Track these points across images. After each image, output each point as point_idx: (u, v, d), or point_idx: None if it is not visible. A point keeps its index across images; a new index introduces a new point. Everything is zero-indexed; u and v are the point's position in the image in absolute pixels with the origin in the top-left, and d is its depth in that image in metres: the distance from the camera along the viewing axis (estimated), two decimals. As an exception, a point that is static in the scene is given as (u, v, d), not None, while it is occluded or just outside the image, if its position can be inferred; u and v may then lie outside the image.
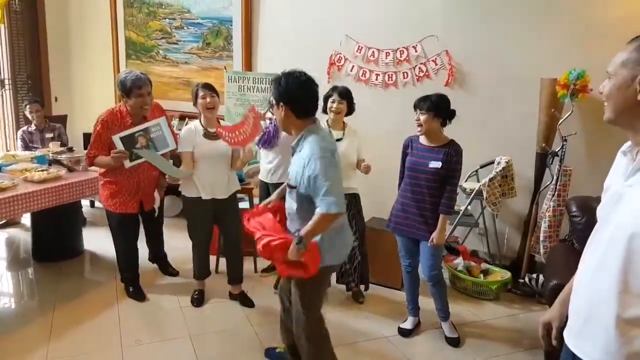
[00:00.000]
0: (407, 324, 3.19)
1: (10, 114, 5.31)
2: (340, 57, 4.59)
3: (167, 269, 3.90)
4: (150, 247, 3.87)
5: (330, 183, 2.05)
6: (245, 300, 3.44)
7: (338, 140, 3.31)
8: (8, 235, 4.68)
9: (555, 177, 3.54)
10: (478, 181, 4.04)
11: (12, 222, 4.75)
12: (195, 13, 5.07)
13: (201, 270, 3.48)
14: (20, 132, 4.75)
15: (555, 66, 3.66)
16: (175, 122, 5.24)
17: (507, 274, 3.72)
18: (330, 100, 3.33)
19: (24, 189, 3.27)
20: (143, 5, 5.27)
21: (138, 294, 3.46)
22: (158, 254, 3.89)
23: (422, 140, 2.95)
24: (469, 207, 4.08)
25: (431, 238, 2.87)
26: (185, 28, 5.17)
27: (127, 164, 3.07)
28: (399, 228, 3.05)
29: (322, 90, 3.35)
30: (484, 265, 3.87)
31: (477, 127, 4.13)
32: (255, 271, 3.95)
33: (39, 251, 4.10)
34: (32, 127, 4.68)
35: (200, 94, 3.16)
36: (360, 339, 3.09)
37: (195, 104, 3.22)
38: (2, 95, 5.25)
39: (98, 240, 4.42)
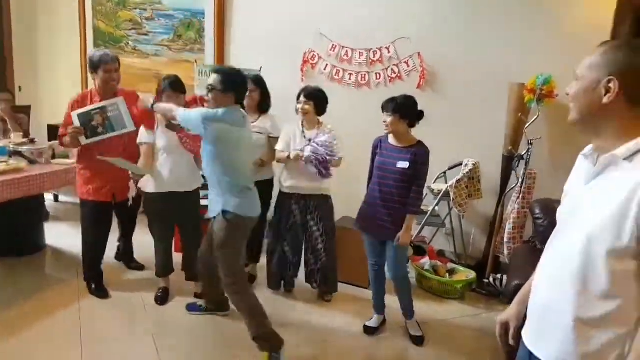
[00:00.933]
0: (373, 322, 3.21)
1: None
2: (314, 54, 4.58)
3: (130, 263, 3.86)
4: (121, 238, 3.83)
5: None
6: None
7: (310, 140, 3.31)
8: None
9: (520, 180, 3.62)
10: (446, 182, 4.09)
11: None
12: (166, 4, 4.97)
13: (163, 269, 3.41)
14: (-18, 121, 4.57)
15: (523, 71, 3.73)
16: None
17: (472, 274, 3.79)
18: (297, 100, 3.33)
19: (-18, 181, 3.14)
20: (113, -6, 5.14)
21: (101, 292, 3.39)
22: (126, 246, 3.85)
23: (391, 140, 2.98)
24: (436, 208, 4.14)
25: (397, 237, 2.90)
26: (156, 19, 5.06)
27: (83, 140, 3.10)
28: (366, 227, 3.08)
29: (296, 89, 3.38)
30: (450, 265, 3.93)
31: (447, 129, 4.18)
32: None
33: (-2, 245, 3.94)
34: (-6, 116, 4.50)
35: (167, 92, 3.06)
36: (327, 337, 3.10)
37: (160, 99, 3.08)
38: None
39: (61, 236, 4.31)
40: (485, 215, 4.19)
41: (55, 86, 5.53)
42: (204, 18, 4.86)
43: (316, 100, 3.31)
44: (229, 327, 3.11)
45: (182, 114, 2.69)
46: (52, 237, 4.25)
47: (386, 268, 3.16)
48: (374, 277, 3.19)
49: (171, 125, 3.05)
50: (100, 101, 3.16)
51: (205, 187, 3.40)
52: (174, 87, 3.08)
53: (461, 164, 4.08)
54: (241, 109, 2.82)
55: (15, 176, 3.34)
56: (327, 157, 3.22)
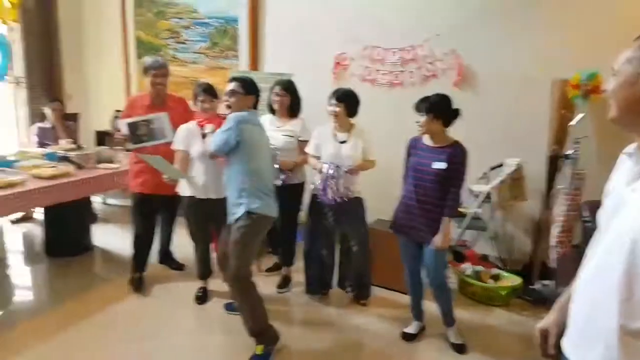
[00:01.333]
0: (411, 329, 3.12)
1: (25, 111, 5.34)
2: (345, 56, 4.54)
3: (172, 264, 3.99)
4: (161, 238, 3.97)
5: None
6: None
7: (342, 142, 3.26)
8: (23, 230, 4.75)
9: (568, 181, 3.43)
10: (488, 184, 3.94)
11: (27, 217, 4.82)
12: (202, 12, 5.06)
13: (202, 272, 3.49)
14: (35, 129, 4.79)
15: (567, 67, 3.57)
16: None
17: (517, 280, 3.63)
18: (328, 103, 3.27)
19: (32, 185, 3.29)
20: (152, 5, 5.27)
21: (139, 285, 3.54)
22: (165, 248, 4.02)
23: (426, 140, 2.88)
24: (478, 211, 3.99)
25: (433, 241, 2.80)
26: (193, 27, 5.15)
27: (130, 146, 3.40)
28: (402, 230, 2.98)
29: (327, 92, 3.34)
30: (494, 271, 3.77)
31: (487, 129, 4.04)
32: (260, 270, 3.91)
33: (50, 246, 4.15)
34: (47, 124, 4.71)
35: (201, 97, 3.18)
36: (362, 343, 3.03)
37: (195, 103, 3.24)
38: (16, 93, 5.29)
39: (108, 237, 4.47)
40: (531, 218, 4.01)
41: (102, 94, 5.74)
42: (237, 25, 4.91)
43: (347, 102, 3.23)
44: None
45: (214, 143, 2.77)
46: (100, 238, 4.40)
47: (424, 273, 3.05)
48: (410, 282, 3.09)
49: (205, 134, 3.14)
50: (150, 102, 3.44)
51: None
52: (207, 92, 3.19)
53: (504, 165, 3.92)
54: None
55: (63, 180, 3.49)
56: (338, 189, 3.18)
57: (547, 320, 1.44)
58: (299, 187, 3.59)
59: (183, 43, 5.25)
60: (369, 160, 3.31)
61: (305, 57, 4.66)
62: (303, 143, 3.47)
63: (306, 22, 4.66)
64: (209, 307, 3.39)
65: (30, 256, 4.22)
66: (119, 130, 3.43)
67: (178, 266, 3.97)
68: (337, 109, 3.22)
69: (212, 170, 3.14)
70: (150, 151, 3.24)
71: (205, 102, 3.16)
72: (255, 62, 4.93)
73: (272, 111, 3.57)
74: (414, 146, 2.94)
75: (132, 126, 3.35)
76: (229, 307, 3.29)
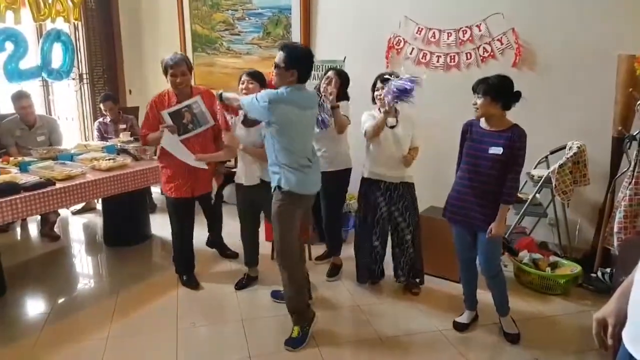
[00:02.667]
0: (463, 318, 3.04)
1: (88, 106, 5.68)
2: (399, 39, 4.46)
3: (225, 251, 4.05)
4: (209, 231, 4.06)
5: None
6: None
7: (392, 127, 3.21)
8: (85, 220, 5.02)
9: (633, 163, 3.20)
10: (548, 168, 3.76)
11: (89, 208, 5.09)
12: (255, 3, 5.12)
13: (249, 258, 3.56)
14: (96, 123, 5.08)
15: (634, 42, 3.31)
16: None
17: (577, 268, 3.45)
18: (374, 88, 3.21)
19: (91, 177, 3.46)
20: (207, -2, 5.41)
21: (191, 283, 3.55)
22: (215, 239, 4.08)
23: (483, 124, 2.76)
24: (537, 196, 3.82)
25: (489, 229, 2.70)
26: (246, 19, 5.23)
27: (177, 137, 3.24)
28: (455, 218, 2.89)
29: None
30: (552, 258, 3.60)
31: (548, 110, 3.86)
32: (310, 259, 3.95)
33: (109, 236, 4.35)
34: (107, 119, 4.98)
35: (242, 79, 3.25)
36: (413, 332, 2.99)
37: (240, 91, 3.27)
38: (80, 89, 5.62)
39: (165, 226, 4.60)
40: (593, 203, 3.79)
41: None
42: (290, 13, 4.93)
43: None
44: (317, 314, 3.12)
45: (246, 101, 2.72)
46: (158, 227, 4.58)
47: (477, 262, 2.96)
48: (464, 271, 3.01)
49: (247, 121, 3.15)
50: (177, 101, 3.28)
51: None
52: (250, 75, 3.23)
53: (564, 147, 3.73)
54: (307, 89, 2.81)
55: (121, 172, 3.64)
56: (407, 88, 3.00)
57: (606, 309, 1.36)
58: (344, 174, 3.58)
59: (237, 35, 5.35)
60: (415, 148, 3.26)
61: (358, 40, 4.63)
62: (338, 113, 3.37)
63: (359, 5, 4.61)
64: (259, 294, 3.45)
65: (90, 245, 4.45)
66: (153, 124, 3.31)
67: (232, 254, 4.04)
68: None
69: (248, 157, 3.21)
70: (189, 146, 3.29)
71: (245, 83, 3.21)
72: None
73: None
74: (469, 130, 2.82)
75: (176, 115, 3.24)
76: (274, 295, 3.33)
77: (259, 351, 2.77)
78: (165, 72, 3.24)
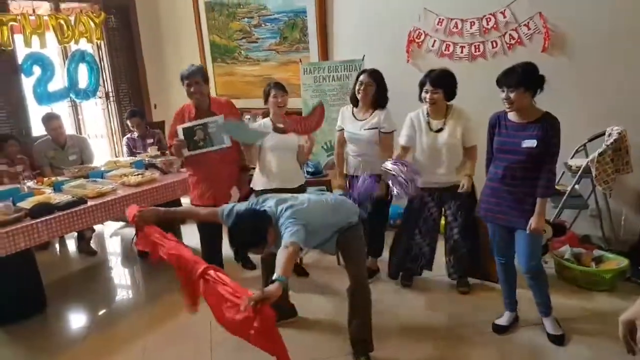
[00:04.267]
0: (503, 320, 2.90)
1: (116, 123, 5.77)
2: (419, 32, 4.33)
3: (245, 263, 3.98)
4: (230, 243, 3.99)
5: None
6: (300, 271, 3.73)
7: (438, 131, 3.05)
8: (123, 234, 5.10)
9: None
10: (586, 157, 3.56)
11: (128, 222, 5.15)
12: (271, 8, 5.07)
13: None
14: (125, 139, 5.15)
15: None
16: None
17: (624, 262, 3.25)
18: (424, 88, 3.02)
19: (122, 192, 3.53)
20: (223, 8, 5.39)
21: None
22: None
23: (512, 116, 2.61)
24: (576, 187, 3.63)
25: (529, 224, 2.55)
26: (262, 25, 5.19)
27: (185, 152, 3.36)
28: (491, 215, 2.76)
29: (401, 72, 3.14)
30: (596, 252, 3.41)
31: (583, 96, 3.68)
32: (339, 263, 3.87)
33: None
34: (135, 134, 5.04)
35: (273, 93, 3.30)
36: (449, 335, 2.88)
37: (266, 102, 3.37)
38: (107, 107, 5.72)
39: (197, 237, 4.64)
40: (639, 191, 3.56)
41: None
42: (306, 16, 4.87)
43: (445, 86, 2.96)
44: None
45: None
46: (190, 238, 4.55)
47: (516, 260, 2.81)
48: (502, 271, 2.87)
49: (277, 128, 3.25)
50: (195, 113, 3.37)
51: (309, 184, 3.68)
52: (278, 87, 3.33)
53: (603, 134, 3.52)
54: None
55: (150, 186, 3.70)
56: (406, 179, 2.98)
57: (635, 309, 1.24)
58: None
59: (255, 42, 5.32)
60: (469, 147, 3.09)
61: (377, 37, 4.53)
62: (386, 135, 3.30)
63: (375, 2, 4.50)
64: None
65: (126, 259, 4.51)
66: (174, 136, 3.40)
67: (252, 266, 3.96)
68: (435, 96, 2.96)
69: (283, 159, 3.29)
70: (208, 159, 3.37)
71: (277, 96, 3.28)
72: (325, 51, 4.88)
73: (355, 102, 3.39)
74: (497, 124, 2.68)
75: (188, 131, 3.33)
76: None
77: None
78: (182, 82, 3.34)
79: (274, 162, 3.29)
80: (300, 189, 3.39)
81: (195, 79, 3.28)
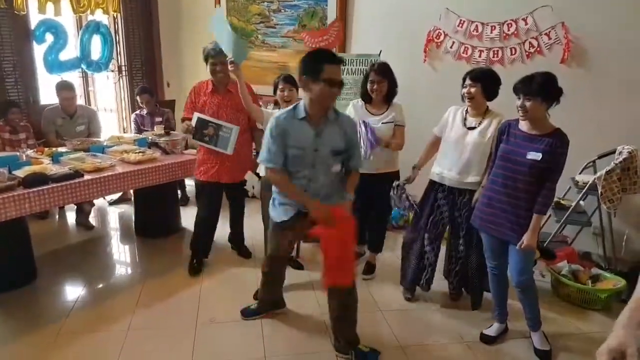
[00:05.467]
0: (492, 331, 2.87)
1: (126, 98, 5.77)
2: (439, 32, 4.26)
3: (240, 249, 3.96)
4: (231, 225, 3.98)
5: None
6: (295, 264, 3.75)
7: (470, 128, 2.91)
8: (121, 210, 5.10)
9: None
10: (595, 173, 3.50)
11: (125, 199, 5.16)
12: (292, -6, 5.03)
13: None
14: (133, 115, 5.14)
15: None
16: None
17: (621, 282, 3.19)
18: (464, 84, 2.91)
19: (120, 169, 3.49)
20: (244, -11, 5.35)
21: (195, 271, 3.60)
22: (234, 233, 3.99)
23: (523, 126, 2.54)
24: (581, 203, 3.56)
25: (521, 240, 2.51)
26: (282, 11, 5.15)
27: (190, 137, 3.54)
28: (485, 226, 2.71)
29: (416, 71, 3.08)
30: (594, 270, 3.36)
31: (598, 111, 3.62)
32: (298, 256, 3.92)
33: (140, 227, 4.38)
34: (144, 111, 5.02)
35: (280, 86, 3.33)
36: (438, 341, 2.85)
37: (274, 93, 3.41)
38: (119, 81, 5.71)
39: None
40: (644, 213, 3.51)
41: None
42: (326, 5, 4.81)
43: (484, 82, 2.82)
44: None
45: None
46: (189, 220, 4.47)
47: (508, 272, 2.77)
48: (494, 282, 2.83)
49: None
50: (212, 89, 3.45)
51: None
52: (287, 81, 3.33)
53: (614, 152, 3.44)
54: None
55: (149, 165, 3.65)
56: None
57: (619, 337, 1.17)
58: (393, 176, 3.35)
59: (273, 27, 5.28)
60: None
61: (395, 34, 4.48)
62: (401, 128, 3.32)
63: (397, -3, 4.44)
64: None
65: (123, 236, 4.49)
66: (189, 111, 3.50)
67: (245, 254, 3.92)
68: (472, 90, 2.83)
69: None
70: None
71: (284, 90, 3.30)
72: (343, 43, 4.82)
73: (368, 98, 3.33)
74: (507, 132, 2.61)
75: (201, 122, 3.41)
76: (247, 314, 3.06)
77: (275, 352, 2.71)
78: (206, 60, 3.36)
79: None
80: None
81: (220, 59, 3.29)
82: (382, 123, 3.27)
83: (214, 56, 3.31)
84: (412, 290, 3.31)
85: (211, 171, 3.50)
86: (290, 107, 2.52)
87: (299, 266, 3.76)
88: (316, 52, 2.46)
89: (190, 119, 3.45)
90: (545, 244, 3.58)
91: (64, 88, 4.46)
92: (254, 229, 4.05)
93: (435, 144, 3.11)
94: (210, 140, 3.42)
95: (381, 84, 3.22)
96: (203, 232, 3.68)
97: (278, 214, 2.62)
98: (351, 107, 3.39)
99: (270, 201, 2.69)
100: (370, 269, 3.65)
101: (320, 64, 2.30)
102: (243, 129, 3.48)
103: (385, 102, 3.32)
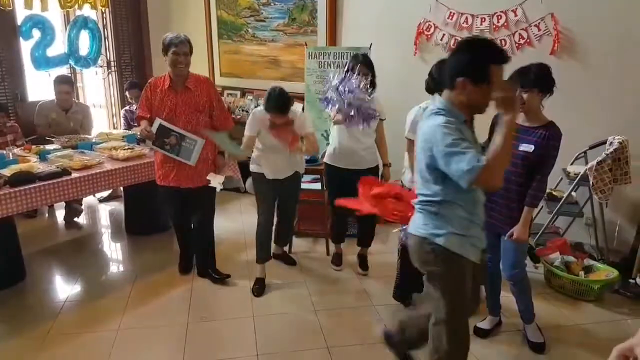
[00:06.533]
0: (485, 324, 2.86)
1: (116, 94, 5.70)
2: (429, 25, 4.24)
3: (213, 275, 3.45)
4: (195, 242, 3.51)
5: None
6: (287, 259, 3.72)
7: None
8: (111, 208, 5.04)
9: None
10: (586, 164, 3.49)
11: (115, 196, 5.11)
12: (281, -13, 4.98)
13: (262, 253, 3.37)
14: (123, 111, 5.09)
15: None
16: (261, 101, 5.25)
17: (614, 273, 3.20)
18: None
19: (109, 166, 3.44)
20: (232, -18, 5.29)
21: (186, 269, 3.52)
22: (200, 251, 3.53)
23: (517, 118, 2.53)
24: (573, 194, 3.56)
25: (510, 232, 2.50)
26: (272, 4, 5.09)
27: (149, 144, 3.27)
28: None
29: (407, 64, 3.02)
30: (587, 261, 3.36)
31: (588, 102, 3.61)
32: (327, 254, 3.86)
33: (130, 224, 4.34)
34: (134, 107, 4.96)
35: (271, 115, 3.01)
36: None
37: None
38: (108, 77, 5.64)
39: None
40: (635, 203, 3.53)
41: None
42: (316, -1, 4.77)
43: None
44: (326, 315, 3.02)
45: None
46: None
47: (501, 265, 2.75)
48: (488, 274, 2.80)
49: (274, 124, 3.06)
50: (169, 85, 3.09)
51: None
52: (278, 110, 2.99)
53: (605, 143, 3.44)
54: None
55: (138, 162, 3.60)
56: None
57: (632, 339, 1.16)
58: (375, 171, 3.38)
59: (262, 21, 5.22)
60: None
61: (386, 26, 4.44)
62: (381, 122, 3.33)
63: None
64: (272, 292, 3.33)
65: (113, 234, 4.45)
66: (144, 111, 3.17)
67: (221, 278, 3.43)
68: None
69: (279, 156, 3.18)
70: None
71: (275, 119, 3.01)
72: (333, 36, 4.78)
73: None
74: (498, 123, 2.60)
75: (163, 130, 3.10)
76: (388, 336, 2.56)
77: (266, 350, 2.69)
78: (166, 51, 3.03)
79: (269, 157, 3.22)
80: (296, 175, 3.39)
81: (185, 49, 3.02)
82: None
83: (178, 44, 2.98)
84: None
85: (170, 175, 3.21)
86: (439, 108, 1.90)
87: (291, 262, 3.74)
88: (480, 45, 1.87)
89: (145, 118, 3.16)
90: (537, 236, 3.58)
91: (63, 82, 4.41)
92: (250, 225, 3.98)
93: None
94: (172, 150, 3.12)
95: (368, 76, 3.16)
96: (180, 236, 3.53)
97: (467, 252, 1.98)
98: None
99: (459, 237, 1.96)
100: (365, 263, 3.62)
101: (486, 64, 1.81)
102: (206, 136, 3.14)
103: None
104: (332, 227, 3.69)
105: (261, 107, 3.12)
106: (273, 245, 3.52)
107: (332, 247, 3.78)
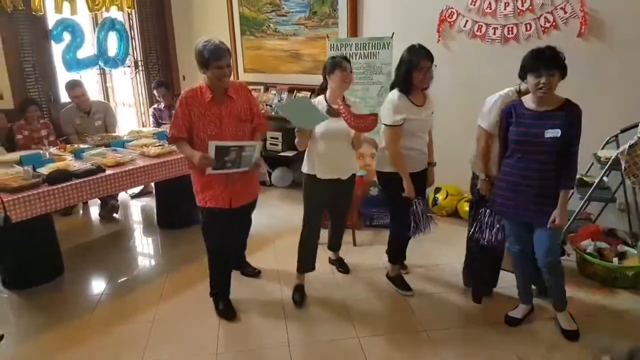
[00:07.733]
0: (517, 312, 2.83)
1: (144, 93, 5.83)
2: (452, 11, 4.20)
3: (245, 268, 3.53)
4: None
5: None
6: (343, 266, 3.54)
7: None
8: (143, 203, 5.18)
9: None
10: (618, 148, 3.41)
11: (147, 192, 5.24)
12: (302, -19, 4.99)
13: (306, 263, 3.18)
14: (151, 110, 5.21)
15: None
16: (285, 95, 5.30)
17: (649, 259, 3.13)
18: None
19: (141, 163, 3.56)
20: (254, -22, 5.33)
21: (228, 312, 3.00)
22: (239, 252, 3.53)
23: (530, 104, 2.47)
24: (604, 179, 3.48)
25: (552, 218, 2.45)
26: (293, -2, 5.12)
27: (209, 170, 2.73)
28: (507, 212, 2.65)
29: (431, 51, 2.91)
30: (620, 248, 3.29)
31: (619, 84, 3.51)
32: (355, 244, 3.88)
33: (162, 219, 4.46)
34: (162, 105, 5.08)
35: (343, 65, 2.87)
36: (463, 326, 2.84)
37: (326, 76, 2.94)
38: (136, 76, 5.77)
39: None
40: (671, 187, 3.41)
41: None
42: (337, -10, 4.77)
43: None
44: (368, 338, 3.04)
45: None
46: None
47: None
48: (519, 264, 2.78)
49: (332, 110, 2.89)
50: (212, 98, 2.73)
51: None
52: (348, 61, 2.94)
53: (637, 126, 3.35)
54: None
55: (169, 158, 3.70)
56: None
57: None
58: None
59: (284, 16, 5.25)
60: None
61: (408, 15, 4.41)
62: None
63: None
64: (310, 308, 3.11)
65: (146, 228, 4.58)
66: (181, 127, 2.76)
67: (251, 273, 3.52)
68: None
69: (336, 148, 2.95)
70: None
71: (347, 68, 2.89)
72: (354, 27, 4.78)
73: (408, 88, 2.84)
74: (513, 114, 2.52)
75: (222, 150, 2.69)
76: None
77: (299, 342, 2.73)
78: (206, 65, 2.65)
79: (325, 151, 2.93)
80: (352, 179, 3.14)
81: (228, 61, 2.69)
82: (432, 113, 2.98)
83: (221, 58, 2.64)
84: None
85: (221, 196, 2.85)
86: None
87: (346, 269, 3.54)
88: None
89: (182, 139, 2.77)
90: (569, 223, 3.52)
91: (74, 86, 4.52)
92: (279, 219, 4.03)
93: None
94: (234, 165, 2.78)
95: (430, 70, 2.82)
96: (223, 266, 3.09)
97: None
98: (397, 100, 2.83)
99: None
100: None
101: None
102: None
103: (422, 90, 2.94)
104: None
105: (317, 99, 3.00)
106: (329, 252, 3.54)
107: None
